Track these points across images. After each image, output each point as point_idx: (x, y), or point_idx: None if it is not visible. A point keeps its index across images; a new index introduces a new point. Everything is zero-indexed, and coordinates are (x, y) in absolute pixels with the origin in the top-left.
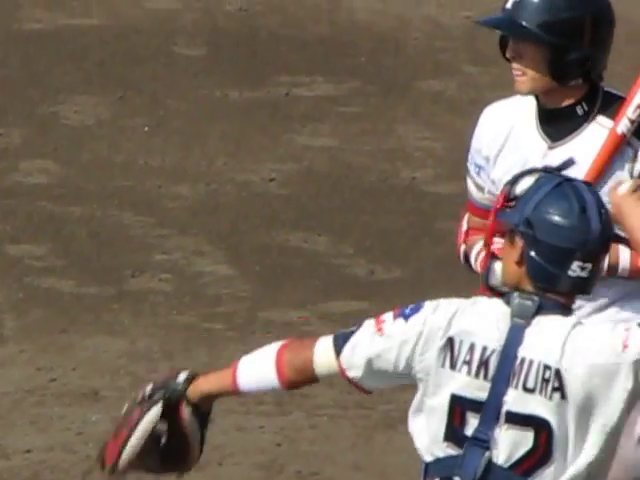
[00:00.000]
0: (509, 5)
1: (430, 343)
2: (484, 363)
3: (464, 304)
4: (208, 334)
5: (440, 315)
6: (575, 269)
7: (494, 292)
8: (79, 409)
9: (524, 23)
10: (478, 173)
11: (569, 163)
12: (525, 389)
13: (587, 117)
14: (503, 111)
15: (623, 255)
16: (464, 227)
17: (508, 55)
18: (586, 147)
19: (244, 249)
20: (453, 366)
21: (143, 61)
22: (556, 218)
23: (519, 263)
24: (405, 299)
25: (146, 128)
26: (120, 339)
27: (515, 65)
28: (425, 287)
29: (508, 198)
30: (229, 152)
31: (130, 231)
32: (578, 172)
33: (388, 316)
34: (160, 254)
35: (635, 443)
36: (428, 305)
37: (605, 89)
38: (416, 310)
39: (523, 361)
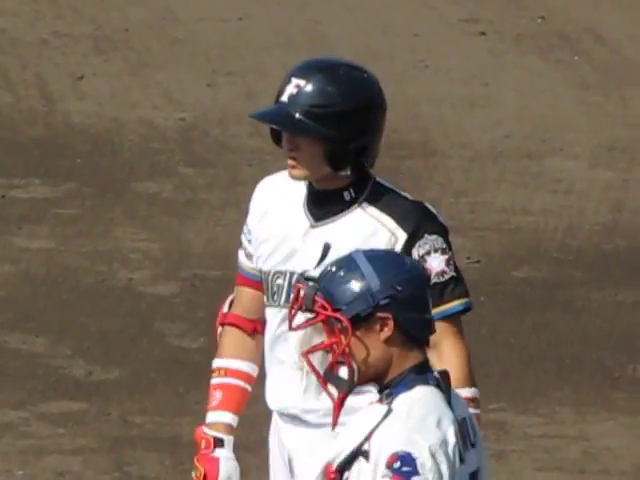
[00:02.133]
0: (284, 98)
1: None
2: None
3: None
4: None
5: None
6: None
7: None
8: None
9: (300, 117)
10: (250, 241)
11: (327, 248)
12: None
13: (353, 203)
14: (274, 184)
15: None
16: (225, 309)
17: (284, 147)
18: (346, 230)
19: None
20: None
21: None
22: (403, 270)
23: (388, 341)
24: (124, 399)
25: None
26: None
27: (290, 154)
28: (143, 387)
29: (328, 301)
30: None
31: None
32: (333, 256)
33: None
34: None
35: None
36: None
37: (376, 179)
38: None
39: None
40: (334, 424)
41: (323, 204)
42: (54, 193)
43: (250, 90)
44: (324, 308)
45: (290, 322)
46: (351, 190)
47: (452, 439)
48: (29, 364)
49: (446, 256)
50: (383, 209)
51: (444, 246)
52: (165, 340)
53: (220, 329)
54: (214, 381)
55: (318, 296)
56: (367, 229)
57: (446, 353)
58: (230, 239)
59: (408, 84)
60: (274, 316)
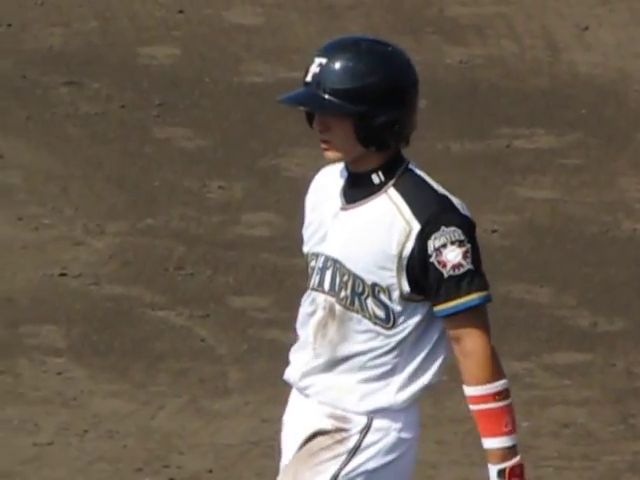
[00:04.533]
0: (309, 78)
1: None
2: None
3: None
4: None
5: None
6: None
7: None
8: None
9: (327, 96)
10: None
11: None
12: None
13: (381, 187)
14: (326, 175)
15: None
16: None
17: (315, 128)
18: (368, 216)
19: None
20: None
21: None
22: None
23: None
24: (629, 351)
25: None
26: None
27: (322, 137)
28: None
29: None
30: None
31: None
32: (354, 241)
33: None
34: None
35: None
36: None
37: (409, 166)
38: None
39: None
40: None
41: (355, 187)
42: (559, 143)
43: None
44: None
45: None
46: (380, 173)
47: None
48: (533, 314)
49: (463, 248)
50: (405, 196)
51: (462, 238)
52: None
53: None
54: None
55: None
56: (387, 216)
57: (466, 350)
58: None
59: None
60: (305, 298)
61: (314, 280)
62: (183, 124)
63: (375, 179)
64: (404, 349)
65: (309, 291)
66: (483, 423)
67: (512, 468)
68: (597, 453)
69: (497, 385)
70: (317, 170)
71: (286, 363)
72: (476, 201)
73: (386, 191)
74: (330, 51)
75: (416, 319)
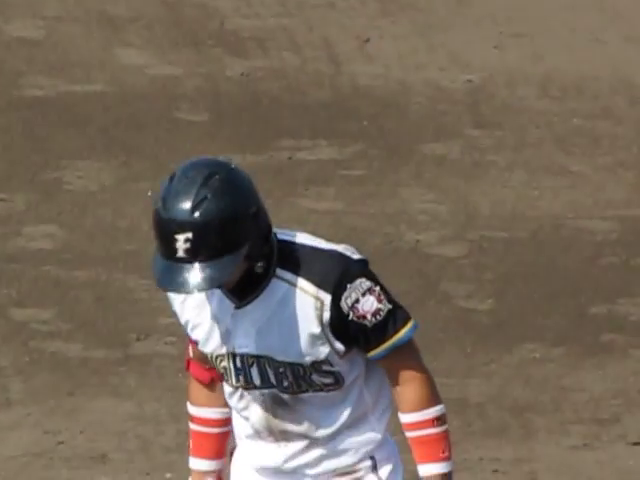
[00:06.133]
0: (181, 254)
1: None
2: None
3: None
4: None
5: None
6: None
7: None
8: (87, 472)
9: (212, 262)
10: (180, 319)
11: None
12: None
13: (267, 273)
14: None
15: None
16: (190, 352)
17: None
18: (270, 304)
19: None
20: None
21: (146, 126)
22: None
23: None
24: None
25: (150, 193)
26: (127, 402)
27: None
28: (431, 348)
29: None
30: None
31: (135, 295)
32: (270, 334)
33: None
34: (165, 317)
35: None
36: None
37: (277, 236)
38: None
39: None
40: None
41: (239, 285)
42: (341, 155)
43: (537, 52)
44: None
45: None
46: (261, 263)
47: None
48: None
49: (375, 293)
50: (298, 272)
51: (369, 284)
52: (452, 301)
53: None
54: (189, 426)
55: None
56: (288, 298)
57: (403, 378)
58: (517, 201)
59: None
60: (232, 392)
61: (236, 379)
62: None
63: (258, 269)
64: (362, 390)
65: (233, 388)
66: (421, 449)
67: None
68: None
69: (436, 410)
70: (99, 182)
71: (67, 375)
72: None
73: (274, 274)
74: (186, 219)
75: (360, 362)
